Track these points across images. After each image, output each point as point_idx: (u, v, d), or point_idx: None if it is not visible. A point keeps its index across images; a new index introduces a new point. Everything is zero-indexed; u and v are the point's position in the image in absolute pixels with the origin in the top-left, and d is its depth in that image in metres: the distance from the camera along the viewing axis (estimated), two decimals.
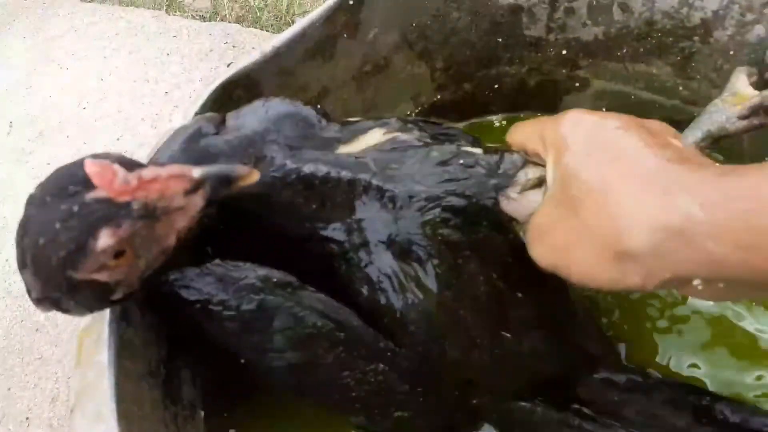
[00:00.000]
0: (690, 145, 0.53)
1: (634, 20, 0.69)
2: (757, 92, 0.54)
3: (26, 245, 0.39)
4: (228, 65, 1.22)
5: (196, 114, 0.57)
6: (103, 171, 0.37)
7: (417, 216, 0.48)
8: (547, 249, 0.46)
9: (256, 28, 1.32)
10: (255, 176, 0.42)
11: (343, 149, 0.51)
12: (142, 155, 1.08)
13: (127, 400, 0.44)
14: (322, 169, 0.48)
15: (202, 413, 0.58)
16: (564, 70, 0.76)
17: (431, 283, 0.48)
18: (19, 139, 1.16)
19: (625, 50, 0.72)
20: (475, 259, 0.49)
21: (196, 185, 0.40)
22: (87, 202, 0.37)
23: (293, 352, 0.47)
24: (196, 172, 0.40)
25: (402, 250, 0.48)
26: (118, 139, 1.13)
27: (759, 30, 0.63)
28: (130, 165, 0.39)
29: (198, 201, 0.40)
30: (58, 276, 0.39)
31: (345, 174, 0.48)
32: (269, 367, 0.47)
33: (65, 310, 0.41)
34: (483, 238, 0.49)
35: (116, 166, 0.37)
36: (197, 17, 1.36)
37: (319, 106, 0.54)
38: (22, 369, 0.89)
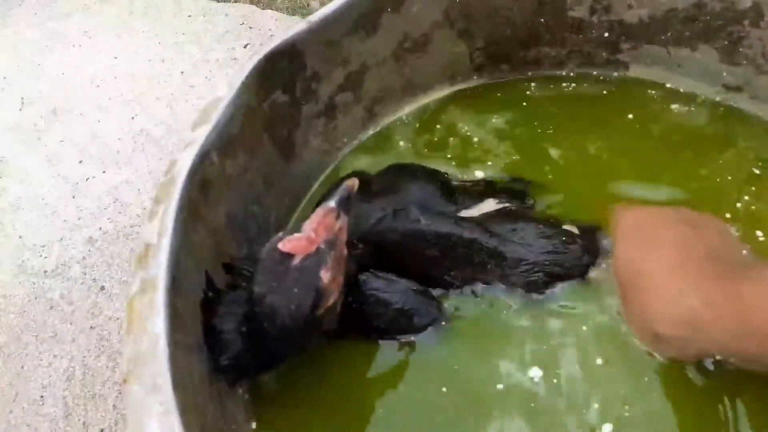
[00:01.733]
0: None
1: (681, 2, 0.68)
2: None
3: (282, 316, 0.50)
4: (245, 46, 1.20)
5: (242, 83, 0.55)
6: (294, 243, 0.50)
7: (523, 276, 0.59)
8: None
9: (272, 9, 1.30)
10: (355, 182, 0.53)
11: (464, 213, 0.63)
12: (158, 134, 1.07)
13: (180, 371, 0.42)
14: (447, 227, 0.60)
15: (240, 390, 0.56)
16: (604, 53, 0.75)
17: None
18: (31, 116, 1.14)
19: (669, 34, 0.71)
20: None
21: (338, 210, 0.52)
22: (298, 266, 0.49)
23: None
24: (331, 202, 0.52)
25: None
26: (132, 118, 1.11)
27: None
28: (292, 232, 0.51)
29: (344, 218, 0.52)
30: (311, 320, 0.51)
31: (466, 234, 0.60)
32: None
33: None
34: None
35: (297, 235, 0.50)
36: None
37: (446, 174, 0.69)
38: (36, 347, 0.88)
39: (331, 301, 0.52)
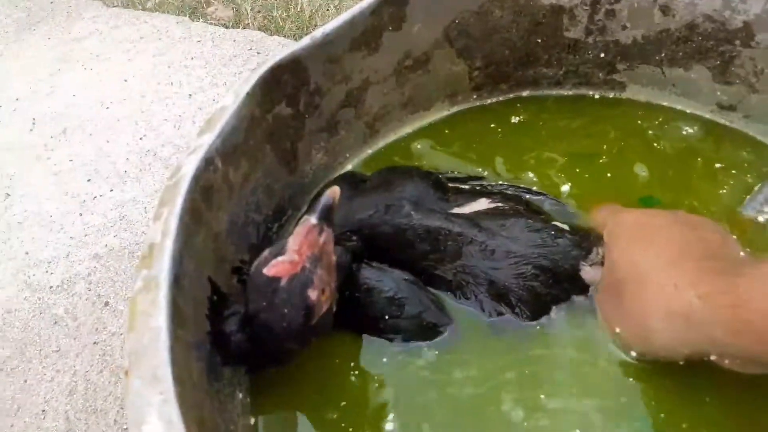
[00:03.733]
0: (753, 211, 0.66)
1: (674, 23, 0.70)
2: None
3: (276, 330, 0.51)
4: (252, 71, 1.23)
5: (247, 93, 0.57)
6: (278, 267, 0.50)
7: (512, 269, 0.59)
8: (602, 320, 0.59)
9: (279, 36, 1.33)
10: (336, 191, 0.53)
11: (457, 210, 0.64)
12: (165, 154, 1.09)
13: (180, 364, 0.43)
14: (437, 222, 0.62)
15: (240, 395, 0.57)
16: (601, 74, 0.77)
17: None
18: (41, 137, 1.17)
19: (663, 54, 0.73)
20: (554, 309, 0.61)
21: (320, 225, 0.52)
22: (285, 287, 0.50)
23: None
24: (312, 218, 0.52)
25: (498, 294, 0.60)
26: (141, 138, 1.13)
27: None
28: (280, 249, 0.52)
29: (329, 231, 0.53)
30: (302, 331, 0.52)
31: (456, 228, 0.61)
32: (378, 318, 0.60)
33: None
34: (562, 293, 0.60)
35: (281, 258, 0.51)
36: (220, 25, 1.37)
37: (440, 176, 0.69)
38: (40, 361, 0.89)
39: (324, 309, 0.53)
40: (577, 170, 0.73)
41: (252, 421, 0.58)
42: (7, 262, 0.99)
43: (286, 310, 0.50)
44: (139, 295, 0.45)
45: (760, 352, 0.46)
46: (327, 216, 0.52)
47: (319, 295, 0.51)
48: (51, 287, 0.95)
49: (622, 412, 0.56)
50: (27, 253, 1.00)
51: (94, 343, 0.89)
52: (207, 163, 0.53)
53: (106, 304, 0.93)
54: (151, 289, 0.45)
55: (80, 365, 0.87)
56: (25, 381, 0.87)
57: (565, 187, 0.71)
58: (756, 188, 0.67)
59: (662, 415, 0.55)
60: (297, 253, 0.51)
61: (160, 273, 0.46)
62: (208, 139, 0.53)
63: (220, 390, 0.52)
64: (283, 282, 0.50)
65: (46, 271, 0.97)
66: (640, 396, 0.56)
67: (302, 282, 0.50)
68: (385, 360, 0.60)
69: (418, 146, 0.78)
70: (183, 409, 0.40)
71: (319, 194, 0.62)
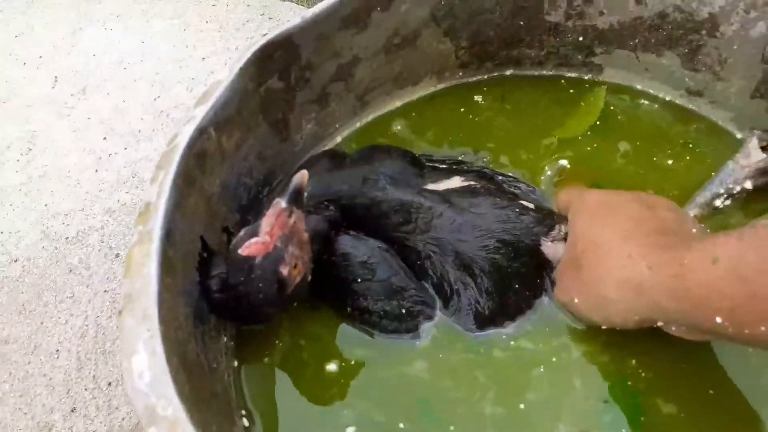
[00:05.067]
0: (700, 206, 0.71)
1: (647, 11, 0.73)
2: (764, 155, 0.68)
3: (256, 301, 0.57)
4: (263, 36, 1.27)
5: (240, 68, 0.63)
6: (252, 248, 0.55)
7: (477, 241, 0.64)
8: (561, 291, 0.63)
9: (291, 2, 1.37)
10: (304, 175, 0.57)
11: (431, 186, 0.68)
12: (177, 115, 1.15)
13: (167, 307, 0.50)
14: (410, 196, 0.66)
15: (225, 339, 0.64)
16: (580, 56, 0.81)
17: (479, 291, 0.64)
18: (63, 94, 1.22)
19: (637, 40, 0.77)
20: (514, 280, 0.65)
21: (289, 208, 0.57)
22: (259, 264, 0.55)
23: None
24: (282, 202, 0.56)
25: (463, 264, 0.64)
26: (155, 99, 1.19)
27: (761, 27, 0.68)
28: (254, 230, 0.57)
29: (299, 212, 0.58)
30: (279, 300, 0.59)
31: (426, 203, 0.65)
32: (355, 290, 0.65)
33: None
34: (522, 266, 0.65)
35: (254, 240, 0.56)
36: None
37: (417, 155, 0.73)
38: (55, 306, 0.94)
39: (298, 280, 0.59)
40: (551, 151, 0.78)
41: (235, 363, 0.64)
42: (28, 213, 1.04)
43: (261, 285, 0.56)
44: (135, 247, 0.52)
45: (700, 318, 0.49)
46: (296, 198, 0.57)
47: (291, 270, 0.57)
48: (67, 238, 1.01)
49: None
50: (46, 206, 1.05)
51: (105, 291, 0.94)
52: (201, 132, 0.59)
53: (117, 255, 0.98)
54: (144, 243, 0.52)
55: (92, 311, 0.93)
56: (42, 323, 0.92)
57: (545, 169, 0.76)
58: (708, 181, 0.71)
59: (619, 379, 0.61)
60: (269, 234, 0.56)
61: (153, 229, 0.52)
62: (203, 110, 0.59)
63: (205, 332, 0.59)
64: (258, 260, 0.55)
65: (63, 223, 1.02)
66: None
67: (274, 260, 0.56)
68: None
69: (398, 126, 0.83)
70: (167, 344, 0.47)
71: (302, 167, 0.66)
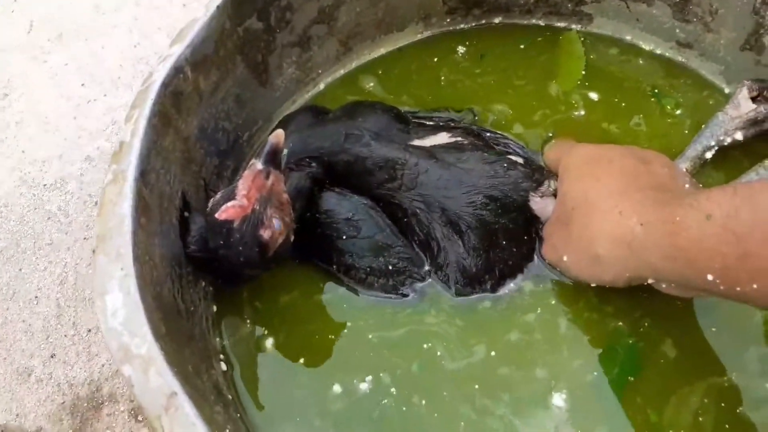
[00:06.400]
0: (691, 159, 0.69)
1: None
2: (754, 106, 0.67)
3: (237, 264, 0.57)
4: None
5: (217, 7, 0.61)
6: (229, 211, 0.54)
7: (464, 198, 0.63)
8: (550, 249, 0.62)
9: None
10: (280, 135, 0.56)
11: (416, 142, 0.67)
12: (156, 63, 1.12)
13: (141, 247, 0.49)
14: (394, 152, 0.65)
15: (204, 283, 0.63)
16: (570, 4, 0.79)
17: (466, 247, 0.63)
18: (39, 39, 1.19)
19: None
20: (501, 236, 0.63)
21: (266, 169, 0.55)
22: (237, 228, 0.54)
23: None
24: (258, 164, 0.55)
25: (449, 221, 0.63)
26: (135, 46, 1.16)
27: None
28: (231, 193, 0.55)
29: (276, 172, 0.56)
30: (260, 262, 0.57)
31: (412, 159, 0.64)
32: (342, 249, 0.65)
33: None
34: (510, 222, 0.64)
35: (231, 203, 0.55)
36: None
37: (404, 111, 0.71)
38: (34, 252, 0.93)
39: (280, 242, 0.57)
40: (536, 104, 0.77)
41: (214, 308, 0.64)
42: (5, 159, 1.03)
43: (241, 248, 0.55)
44: (109, 186, 0.51)
45: (692, 276, 0.48)
46: (273, 159, 0.55)
47: (272, 232, 0.56)
48: (45, 185, 1.00)
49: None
50: (23, 152, 1.04)
51: (84, 238, 0.94)
52: (176, 71, 0.57)
53: (96, 203, 0.98)
54: (118, 182, 0.51)
55: (71, 258, 0.93)
56: (20, 269, 0.92)
57: (534, 125, 0.75)
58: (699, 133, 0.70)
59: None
60: (246, 198, 0.54)
61: (127, 168, 0.51)
62: (178, 49, 0.57)
63: (183, 275, 0.58)
64: (236, 224, 0.54)
65: (41, 170, 1.01)
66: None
67: (253, 223, 0.55)
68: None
69: (380, 73, 0.81)
70: (141, 284, 0.46)
71: (283, 122, 0.67)
